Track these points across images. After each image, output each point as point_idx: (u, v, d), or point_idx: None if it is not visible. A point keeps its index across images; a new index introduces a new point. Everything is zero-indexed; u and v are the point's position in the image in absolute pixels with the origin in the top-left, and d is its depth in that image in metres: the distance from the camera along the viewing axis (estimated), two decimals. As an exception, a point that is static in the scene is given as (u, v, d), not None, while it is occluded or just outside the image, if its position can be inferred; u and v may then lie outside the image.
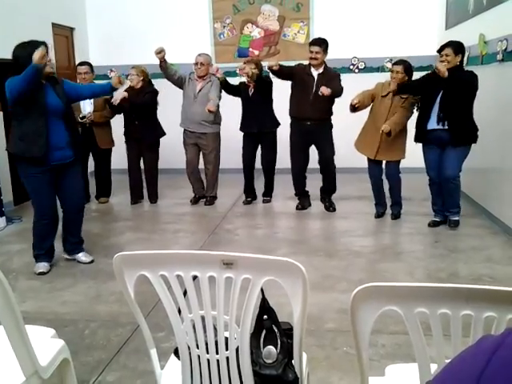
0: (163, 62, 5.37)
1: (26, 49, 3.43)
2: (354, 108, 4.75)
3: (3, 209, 5.01)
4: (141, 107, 5.45)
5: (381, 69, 7.02)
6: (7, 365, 1.58)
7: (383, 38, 6.93)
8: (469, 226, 4.58)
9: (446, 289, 1.18)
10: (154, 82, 5.90)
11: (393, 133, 4.54)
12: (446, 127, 4.26)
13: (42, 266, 3.76)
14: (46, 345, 1.78)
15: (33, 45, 3.39)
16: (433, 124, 4.35)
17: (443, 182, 4.46)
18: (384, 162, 4.89)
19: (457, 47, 4.24)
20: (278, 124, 5.60)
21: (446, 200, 4.55)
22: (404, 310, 1.19)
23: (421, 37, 6.90)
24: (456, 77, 4.11)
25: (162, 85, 5.74)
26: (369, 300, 1.20)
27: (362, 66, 7.09)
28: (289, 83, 5.23)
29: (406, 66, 4.66)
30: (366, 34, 6.93)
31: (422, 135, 4.48)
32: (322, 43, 5.05)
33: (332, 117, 5.23)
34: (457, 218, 4.57)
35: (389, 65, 6.82)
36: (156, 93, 5.59)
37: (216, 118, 5.60)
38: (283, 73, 5.09)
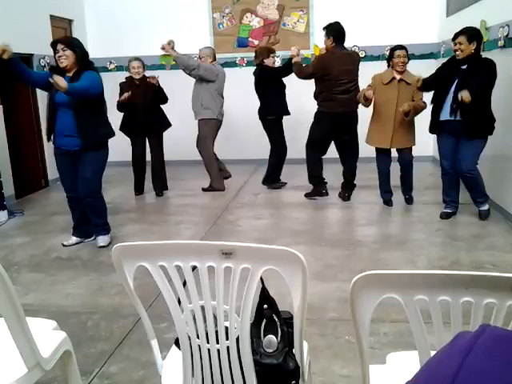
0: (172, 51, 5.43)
1: None
2: (369, 100, 4.78)
3: (5, 202, 5.02)
4: (162, 98, 5.56)
5: (381, 57, 6.96)
6: (9, 357, 1.58)
7: (383, 26, 6.88)
8: (471, 214, 4.56)
9: (445, 276, 1.17)
10: (154, 73, 5.89)
11: (412, 113, 4.52)
12: (459, 118, 4.14)
13: (67, 238, 4.24)
14: (48, 337, 1.78)
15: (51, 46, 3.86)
16: (446, 115, 4.23)
17: (460, 175, 4.37)
18: (394, 151, 4.88)
19: (471, 35, 4.06)
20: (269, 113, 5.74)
21: (470, 192, 4.46)
22: (404, 297, 1.19)
23: (421, 24, 6.86)
24: (474, 67, 4.00)
25: (162, 78, 5.72)
26: (368, 288, 1.19)
27: (362, 54, 7.04)
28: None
29: (407, 50, 4.67)
30: (366, 22, 6.88)
31: (435, 126, 4.40)
32: (324, 28, 5.06)
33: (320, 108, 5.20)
34: (485, 208, 4.44)
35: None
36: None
37: (205, 103, 5.63)
38: None
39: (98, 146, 3.92)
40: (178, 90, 5.92)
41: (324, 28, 5.04)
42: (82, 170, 3.92)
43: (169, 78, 5.79)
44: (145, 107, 5.44)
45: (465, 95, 3.94)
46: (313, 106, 5.28)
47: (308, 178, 5.42)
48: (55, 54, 3.78)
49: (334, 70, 4.92)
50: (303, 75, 5.12)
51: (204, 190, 5.93)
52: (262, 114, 5.72)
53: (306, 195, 5.42)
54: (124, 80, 5.61)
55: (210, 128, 5.71)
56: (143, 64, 5.59)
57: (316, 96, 5.17)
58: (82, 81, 3.68)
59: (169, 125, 5.75)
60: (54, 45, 3.81)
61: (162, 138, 5.80)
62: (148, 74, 5.75)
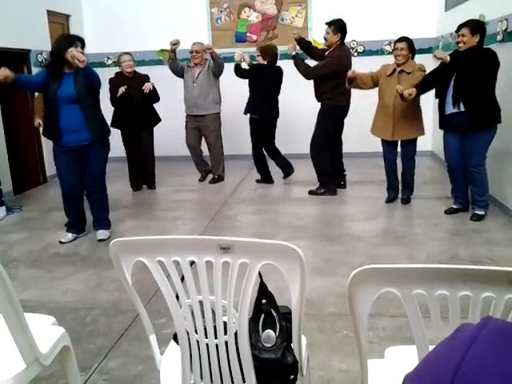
0: (173, 54, 5.59)
1: (58, 43, 3.82)
2: (350, 81, 4.79)
3: (3, 198, 5.01)
4: (157, 97, 5.61)
5: (380, 52, 6.96)
6: (8, 352, 1.58)
7: (382, 21, 6.86)
8: (469, 209, 4.57)
9: (443, 270, 1.17)
10: (152, 69, 5.89)
11: (406, 96, 4.33)
12: (462, 109, 4.09)
13: (64, 236, 4.19)
14: (46, 332, 1.78)
15: (67, 40, 3.82)
16: (450, 108, 4.20)
17: (467, 172, 4.33)
18: (399, 143, 4.81)
19: (474, 27, 4.01)
20: (252, 112, 5.71)
21: (472, 190, 4.41)
22: (402, 291, 1.19)
23: (420, 19, 6.83)
24: (471, 57, 3.95)
25: (160, 73, 5.73)
26: (367, 282, 1.19)
27: (360, 49, 7.03)
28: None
29: (410, 42, 4.59)
30: (365, 16, 6.85)
31: (442, 121, 4.37)
32: (331, 24, 5.06)
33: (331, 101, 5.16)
34: (480, 212, 4.33)
35: (388, 47, 6.78)
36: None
37: (215, 98, 5.81)
38: None
39: (104, 138, 4.03)
40: (170, 85, 5.90)
41: (330, 23, 5.04)
42: (89, 164, 3.99)
43: (161, 73, 5.78)
44: (141, 100, 5.45)
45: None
46: (306, 104, 5.30)
47: (319, 178, 5.40)
48: (70, 47, 3.67)
49: (346, 65, 5.04)
50: (316, 76, 5.10)
51: (214, 181, 6.05)
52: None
53: (311, 193, 5.37)
54: (113, 76, 5.56)
55: (220, 122, 5.93)
56: (133, 58, 5.59)
57: (323, 94, 5.13)
58: (89, 75, 3.78)
59: (159, 120, 5.77)
60: (72, 40, 3.79)
61: (152, 133, 5.80)
62: (144, 69, 5.75)
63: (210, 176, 6.14)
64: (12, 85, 3.74)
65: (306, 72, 5.14)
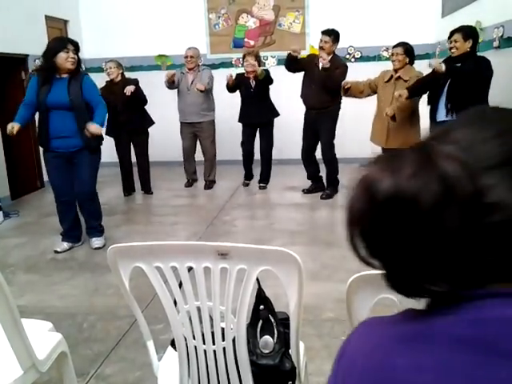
0: (172, 83, 5.62)
1: (49, 46, 3.83)
2: (345, 90, 4.83)
3: (0, 203, 4.99)
4: (142, 100, 5.52)
5: (377, 58, 6.99)
6: (5, 358, 1.58)
7: (379, 27, 6.89)
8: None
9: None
10: (150, 74, 5.87)
11: (397, 117, 4.41)
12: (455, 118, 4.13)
13: (59, 245, 4.08)
14: (44, 338, 1.77)
15: (58, 43, 3.80)
16: (442, 115, 4.21)
17: None
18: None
19: (467, 32, 4.05)
20: (276, 114, 5.74)
21: None
22: (399, 297, 1.19)
23: (417, 25, 6.86)
24: (465, 68, 3.97)
25: (158, 78, 5.73)
26: (364, 288, 1.20)
27: (358, 55, 7.05)
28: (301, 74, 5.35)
29: (406, 47, 4.56)
30: (362, 22, 6.89)
31: (433, 128, 4.38)
32: (330, 33, 5.08)
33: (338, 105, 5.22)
34: None
35: (385, 53, 6.81)
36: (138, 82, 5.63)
37: (210, 105, 5.83)
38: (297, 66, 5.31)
39: (97, 146, 3.95)
40: (166, 90, 5.91)
41: (329, 33, 5.07)
42: (79, 171, 3.90)
43: (159, 79, 5.79)
44: (124, 106, 5.37)
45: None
46: (299, 109, 5.34)
47: (333, 181, 5.44)
48: (61, 51, 3.67)
49: None
50: (340, 85, 5.06)
51: (209, 187, 6.05)
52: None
53: (326, 197, 5.37)
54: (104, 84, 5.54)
55: (214, 128, 5.96)
56: (118, 65, 5.55)
57: (332, 100, 5.16)
58: (91, 93, 3.81)
59: (151, 122, 5.70)
60: (64, 42, 3.76)
61: (147, 137, 5.75)
62: (142, 75, 5.75)
63: (196, 184, 6.19)
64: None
65: (343, 75, 5.08)
